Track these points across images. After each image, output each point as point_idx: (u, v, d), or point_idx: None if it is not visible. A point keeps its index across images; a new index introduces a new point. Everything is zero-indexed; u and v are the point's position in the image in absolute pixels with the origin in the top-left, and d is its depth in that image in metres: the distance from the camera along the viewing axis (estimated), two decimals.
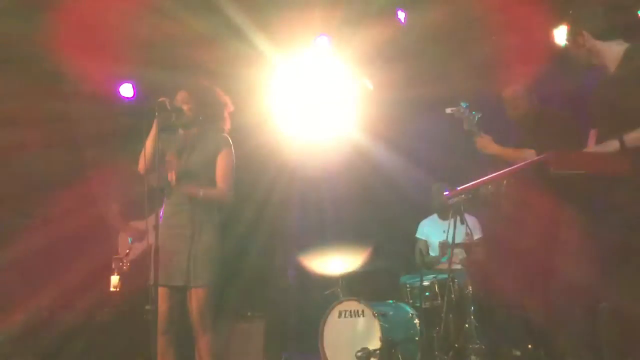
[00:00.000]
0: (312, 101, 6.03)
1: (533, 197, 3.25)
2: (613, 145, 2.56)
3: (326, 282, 5.04)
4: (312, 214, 6.85)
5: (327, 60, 5.75)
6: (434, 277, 4.73)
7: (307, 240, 6.72)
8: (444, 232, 5.16)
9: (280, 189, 6.94)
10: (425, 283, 4.68)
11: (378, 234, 6.25)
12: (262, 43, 5.38)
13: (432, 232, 5.32)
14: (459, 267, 4.91)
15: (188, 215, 3.23)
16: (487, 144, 3.68)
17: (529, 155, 3.47)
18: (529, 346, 3.91)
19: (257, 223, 6.66)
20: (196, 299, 3.20)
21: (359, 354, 4.20)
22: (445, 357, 4.14)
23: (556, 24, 4.80)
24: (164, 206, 3.33)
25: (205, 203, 3.26)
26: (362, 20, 5.14)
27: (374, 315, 4.26)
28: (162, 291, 3.12)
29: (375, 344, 4.20)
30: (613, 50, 2.79)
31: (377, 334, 4.20)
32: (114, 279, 5.06)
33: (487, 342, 4.16)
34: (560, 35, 4.79)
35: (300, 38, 5.46)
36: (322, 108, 6.06)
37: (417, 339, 4.38)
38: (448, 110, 3.67)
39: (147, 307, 2.93)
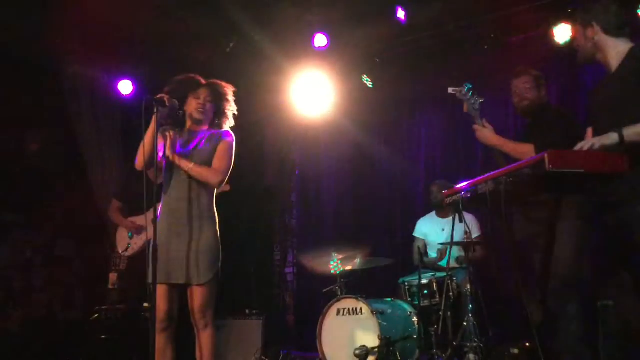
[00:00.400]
0: (312, 101, 6.02)
1: (531, 195, 3.25)
2: (612, 137, 2.56)
3: (325, 280, 5.04)
4: (311, 213, 6.86)
5: (327, 59, 5.74)
6: (432, 275, 4.75)
7: (306, 238, 6.73)
8: (442, 230, 5.18)
9: (280, 187, 6.95)
10: (424, 281, 4.70)
11: (377, 232, 6.26)
12: (262, 40, 5.39)
13: (430, 230, 5.32)
14: (457, 265, 4.92)
15: (188, 212, 3.22)
16: (487, 135, 3.57)
17: (529, 149, 3.42)
18: (527, 344, 3.92)
19: (256, 221, 6.68)
20: (197, 296, 3.19)
21: (358, 351, 4.20)
22: (443, 355, 4.14)
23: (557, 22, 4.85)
24: (162, 202, 3.31)
25: (197, 178, 3.23)
26: (362, 18, 5.14)
27: (372, 313, 4.26)
28: (161, 289, 3.09)
29: (373, 341, 4.20)
30: (618, 49, 2.79)
31: (375, 331, 4.20)
32: (112, 277, 5.06)
33: (485, 340, 4.17)
34: (564, 30, 4.80)
35: (300, 36, 5.46)
36: (322, 107, 6.05)
37: (415, 336, 4.39)
38: (450, 90, 3.56)
39: (146, 304, 2.92)
